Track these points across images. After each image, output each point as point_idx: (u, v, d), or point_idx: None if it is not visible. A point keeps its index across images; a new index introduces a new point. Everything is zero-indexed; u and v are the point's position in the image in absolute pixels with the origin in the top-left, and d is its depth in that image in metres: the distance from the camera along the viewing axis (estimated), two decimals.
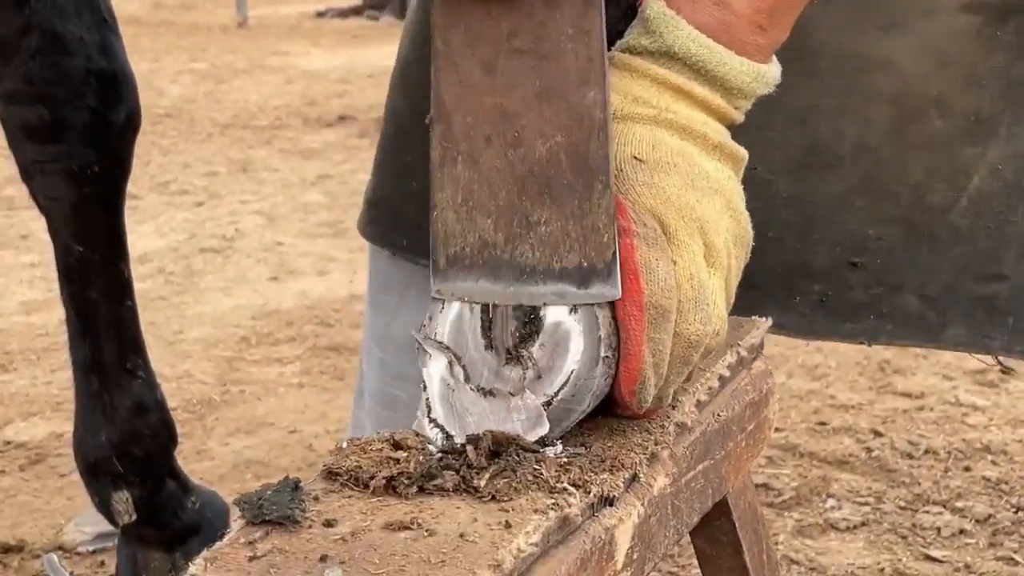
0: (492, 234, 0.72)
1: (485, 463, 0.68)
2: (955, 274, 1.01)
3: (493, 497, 0.66)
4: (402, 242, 1.14)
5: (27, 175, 1.54)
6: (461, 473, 0.67)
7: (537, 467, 0.68)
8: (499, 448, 0.69)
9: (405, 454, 0.69)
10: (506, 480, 0.67)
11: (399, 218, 1.14)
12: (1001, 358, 1.04)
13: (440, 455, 0.70)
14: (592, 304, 0.71)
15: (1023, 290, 1.00)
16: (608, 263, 0.71)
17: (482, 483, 0.66)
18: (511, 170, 0.71)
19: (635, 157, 0.76)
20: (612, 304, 0.72)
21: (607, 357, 0.72)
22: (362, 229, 1.20)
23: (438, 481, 0.67)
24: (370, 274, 1.23)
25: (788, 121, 1.01)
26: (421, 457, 0.69)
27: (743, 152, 0.81)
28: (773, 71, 0.82)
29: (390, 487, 0.67)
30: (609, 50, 0.75)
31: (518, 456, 0.68)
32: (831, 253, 1.01)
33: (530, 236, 0.71)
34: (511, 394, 0.72)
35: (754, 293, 0.82)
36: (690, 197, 0.75)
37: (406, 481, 0.67)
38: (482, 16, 0.72)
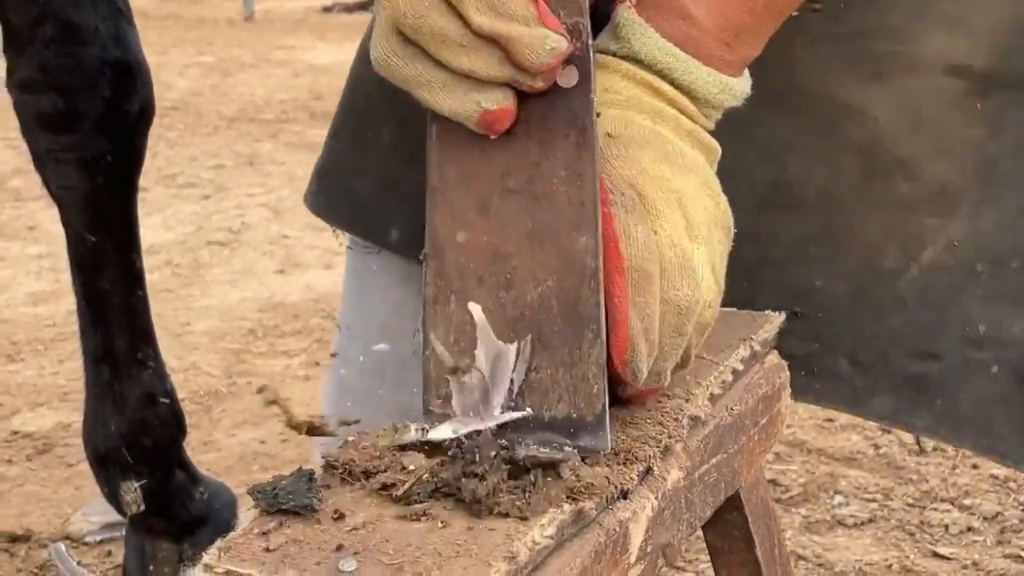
0: (481, 377, 0.71)
1: (502, 472, 0.66)
2: (890, 344, 0.97)
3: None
4: (348, 219, 1.12)
5: (40, 164, 1.54)
6: (476, 484, 0.66)
7: (556, 490, 0.67)
8: (518, 465, 0.68)
9: (412, 465, 0.68)
10: (520, 502, 0.65)
11: (350, 193, 1.11)
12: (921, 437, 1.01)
13: (448, 464, 0.68)
14: None
15: (954, 374, 0.97)
16: (598, 415, 0.69)
17: (496, 501, 0.65)
18: (503, 312, 0.70)
19: (608, 134, 0.76)
20: None
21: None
22: (307, 199, 1.17)
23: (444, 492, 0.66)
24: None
25: (760, 155, 0.99)
26: (426, 475, 0.67)
27: (716, 145, 0.81)
28: (742, 84, 0.82)
29: (395, 498, 0.66)
30: None
31: (534, 479, 0.66)
32: (776, 298, 0.99)
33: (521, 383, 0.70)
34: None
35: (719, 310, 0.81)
36: (665, 170, 0.75)
37: (413, 494, 0.66)
38: (477, 154, 0.71)
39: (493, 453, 0.66)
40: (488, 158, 0.72)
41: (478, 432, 0.72)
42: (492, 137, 0.71)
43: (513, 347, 0.71)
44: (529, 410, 0.71)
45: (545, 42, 0.69)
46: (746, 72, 0.83)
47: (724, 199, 0.80)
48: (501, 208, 0.71)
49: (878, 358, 0.98)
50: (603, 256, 0.71)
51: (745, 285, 0.98)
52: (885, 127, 0.98)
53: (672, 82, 0.79)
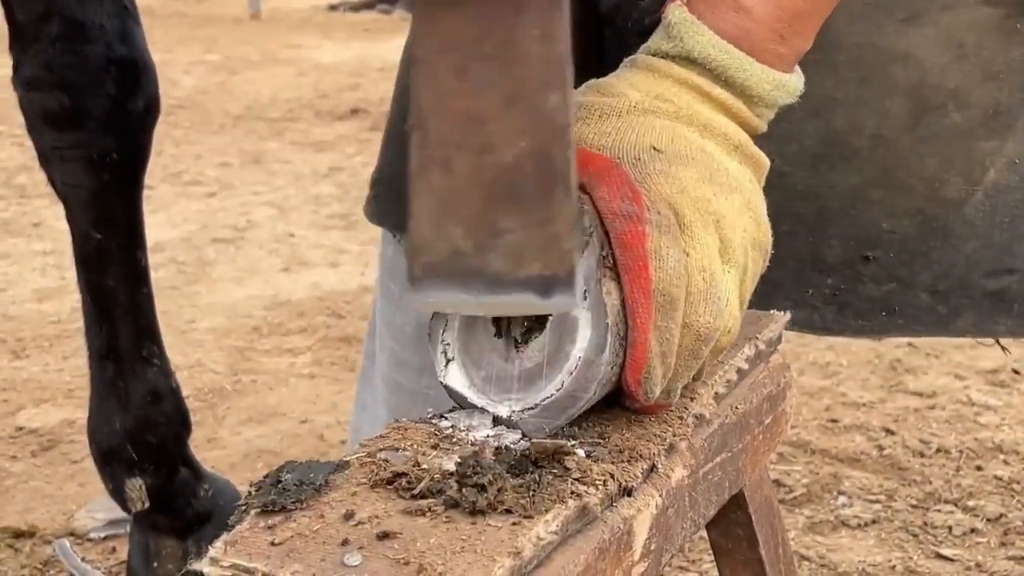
0: (463, 243, 0.71)
1: (506, 480, 0.66)
2: (967, 269, 1.00)
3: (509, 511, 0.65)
4: (402, 222, 1.14)
5: (46, 162, 1.54)
6: (476, 495, 0.65)
7: (560, 486, 0.67)
8: (523, 459, 0.68)
9: (426, 464, 0.68)
10: (524, 500, 0.65)
11: (402, 198, 1.14)
12: (1010, 352, 1.04)
13: (457, 468, 0.67)
14: (601, 290, 0.71)
15: None
16: (568, 272, 0.69)
17: (499, 502, 0.65)
18: (481, 177, 0.71)
19: (653, 147, 0.75)
20: (621, 292, 0.72)
21: (614, 345, 0.71)
22: (365, 209, 1.20)
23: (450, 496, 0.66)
24: (380, 259, 1.23)
25: (805, 113, 1.00)
26: (437, 475, 0.67)
27: (765, 159, 0.81)
28: (795, 81, 0.81)
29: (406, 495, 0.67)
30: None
31: (539, 477, 0.67)
32: (844, 247, 1.01)
33: (497, 244, 0.70)
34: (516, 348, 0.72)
35: (765, 287, 0.82)
36: (707, 190, 0.75)
37: (424, 492, 0.66)
38: (455, 22, 0.71)
39: (496, 467, 0.66)
40: (466, 25, 0.71)
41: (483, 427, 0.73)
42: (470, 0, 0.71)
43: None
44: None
45: None
46: (798, 68, 0.83)
47: (766, 220, 0.80)
48: (478, 74, 0.71)
49: (957, 284, 1.01)
50: (632, 274, 0.71)
51: (811, 240, 0.99)
52: (929, 64, 1.00)
53: (726, 80, 0.78)
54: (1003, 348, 1.06)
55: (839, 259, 1.00)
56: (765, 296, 0.83)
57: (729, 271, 0.75)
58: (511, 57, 0.71)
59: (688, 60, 0.78)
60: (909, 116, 1.00)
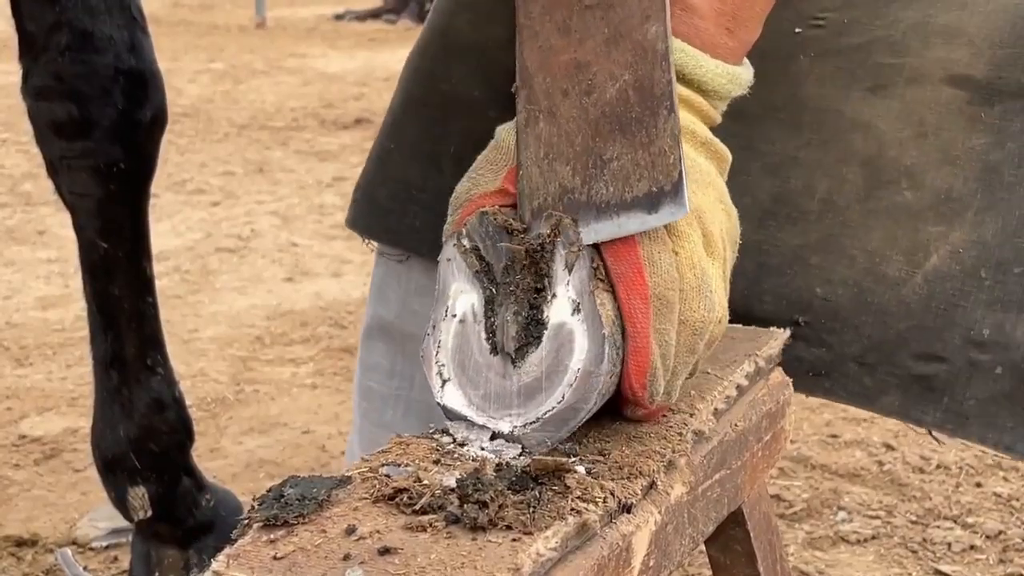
0: (571, 179, 0.75)
1: (507, 497, 0.67)
2: (896, 347, 0.99)
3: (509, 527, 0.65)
4: (372, 227, 1.16)
5: (53, 171, 1.55)
6: (477, 511, 0.66)
7: (560, 502, 0.67)
8: (524, 476, 0.69)
9: (427, 480, 0.69)
10: (524, 516, 0.66)
11: (373, 204, 1.15)
12: (933, 432, 1.03)
13: (458, 484, 0.68)
14: (595, 301, 0.72)
15: (960, 374, 0.99)
16: (675, 183, 0.73)
17: (500, 518, 0.66)
18: (586, 116, 0.75)
19: None
20: (615, 301, 0.73)
21: (611, 355, 0.72)
22: (346, 220, 1.21)
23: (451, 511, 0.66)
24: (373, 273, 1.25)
25: (764, 169, 1.01)
26: (439, 491, 0.67)
27: (728, 153, 0.83)
28: (746, 74, 0.84)
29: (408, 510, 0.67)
30: None
31: (539, 493, 0.67)
32: (777, 306, 1.01)
33: (604, 174, 0.74)
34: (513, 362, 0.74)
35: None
36: None
37: (425, 508, 0.67)
38: None
39: (497, 484, 0.67)
40: None
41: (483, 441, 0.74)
42: None
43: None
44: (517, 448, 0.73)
45: None
46: (746, 61, 0.85)
47: (735, 212, 0.82)
48: (580, 25, 0.75)
49: (885, 360, 1.00)
50: (626, 282, 0.73)
51: (746, 294, 1.00)
52: (889, 137, 1.00)
53: (684, 77, 0.80)
54: (935, 438, 1.06)
55: (770, 316, 1.00)
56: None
57: (714, 263, 0.78)
58: (611, 2, 0.75)
59: None
60: (863, 186, 1.00)
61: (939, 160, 0.99)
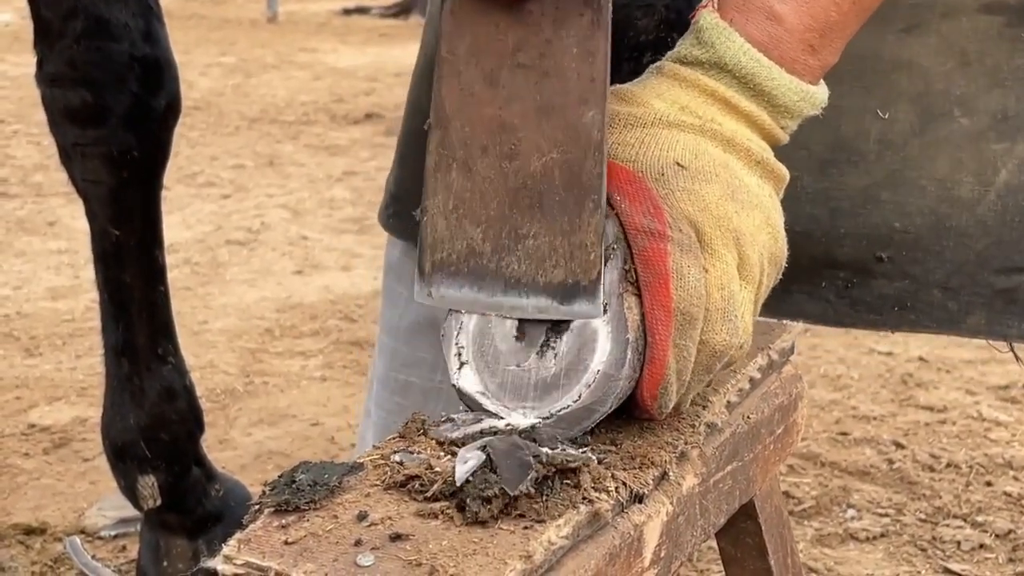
0: (480, 243, 0.72)
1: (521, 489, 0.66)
2: (978, 266, 1.02)
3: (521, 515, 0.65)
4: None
5: (67, 158, 1.55)
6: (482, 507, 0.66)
7: (572, 491, 0.67)
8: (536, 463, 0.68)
9: (439, 467, 0.68)
10: (536, 504, 0.66)
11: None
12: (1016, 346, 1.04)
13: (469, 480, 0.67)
14: (623, 304, 0.71)
15: None
16: (593, 281, 0.70)
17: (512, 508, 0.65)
18: (504, 182, 0.72)
19: (677, 163, 0.76)
20: (642, 307, 0.72)
21: (633, 360, 0.72)
22: (384, 221, 1.21)
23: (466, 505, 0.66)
24: (385, 265, 1.24)
25: (810, 120, 1.01)
26: (450, 478, 0.67)
27: (785, 172, 0.81)
28: (821, 94, 0.82)
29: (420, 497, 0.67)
30: (620, 68, 0.75)
31: (552, 482, 0.67)
32: (857, 246, 1.02)
33: (517, 248, 0.71)
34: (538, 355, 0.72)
35: (780, 282, 0.82)
36: (729, 208, 0.75)
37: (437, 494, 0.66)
38: (489, 28, 0.72)
39: (499, 487, 0.66)
40: (500, 33, 0.72)
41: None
42: (507, 9, 0.72)
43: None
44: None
45: None
46: (823, 81, 0.83)
47: (783, 235, 0.80)
48: (510, 81, 0.72)
49: (969, 281, 1.02)
50: (652, 291, 0.72)
51: (824, 240, 1.00)
52: (933, 72, 1.01)
53: (754, 88, 0.78)
54: (1017, 358, 1.06)
55: (851, 258, 1.02)
56: (779, 290, 0.84)
57: (746, 287, 0.76)
58: (548, 70, 0.71)
59: (717, 67, 0.78)
60: (917, 121, 1.02)
61: (988, 84, 1.01)
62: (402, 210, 1.19)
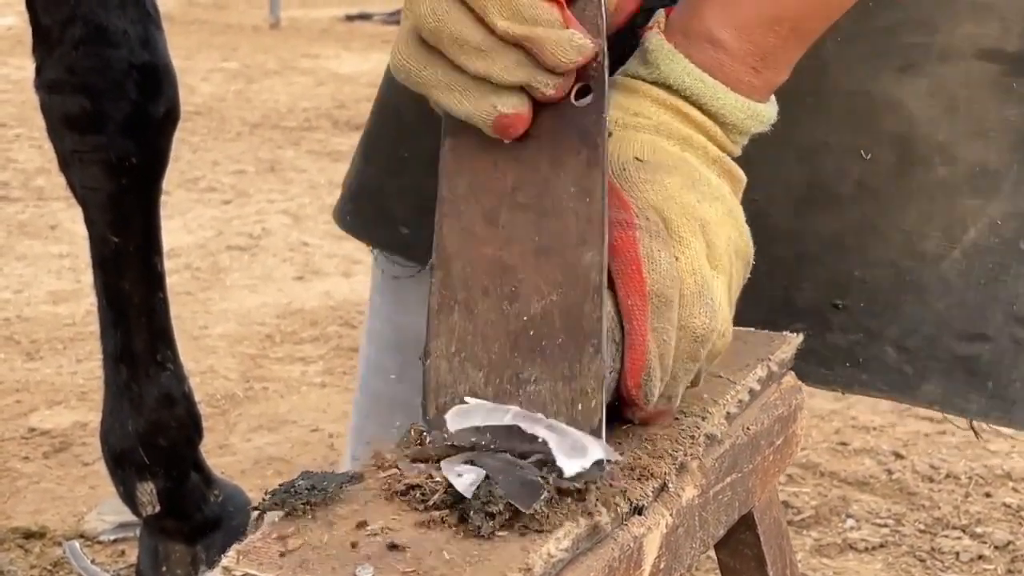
0: (482, 388, 0.71)
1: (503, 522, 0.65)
2: (937, 328, 0.98)
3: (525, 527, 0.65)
4: (385, 238, 1.14)
5: (65, 165, 1.55)
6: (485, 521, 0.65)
7: (572, 503, 0.66)
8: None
9: (439, 476, 0.68)
10: (536, 516, 0.65)
11: (386, 214, 1.14)
12: (974, 423, 1.01)
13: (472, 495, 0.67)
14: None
15: (1005, 354, 0.97)
16: (595, 429, 0.70)
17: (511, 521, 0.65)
18: (506, 324, 0.71)
19: (636, 158, 0.77)
20: (615, 297, 0.73)
21: (611, 351, 0.72)
22: (340, 219, 1.19)
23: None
24: (372, 273, 1.24)
25: (795, 157, 1.00)
26: (451, 489, 0.67)
27: (742, 174, 0.82)
28: (769, 110, 0.82)
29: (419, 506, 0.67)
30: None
31: (551, 495, 0.66)
32: (816, 292, 0.99)
33: (519, 394, 0.71)
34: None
35: (737, 327, 0.82)
36: (691, 197, 0.76)
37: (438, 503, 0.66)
38: (488, 167, 0.73)
39: (504, 503, 0.66)
40: (499, 172, 0.72)
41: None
42: (505, 143, 0.72)
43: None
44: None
45: (572, 40, 0.70)
46: (772, 98, 0.84)
47: (747, 230, 0.81)
48: (509, 221, 0.72)
49: (926, 343, 0.98)
50: (625, 278, 0.72)
51: (785, 283, 0.99)
52: (920, 115, 0.99)
53: (701, 108, 0.80)
54: (977, 435, 1.03)
55: (810, 304, 0.99)
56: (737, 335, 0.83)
57: (718, 276, 0.76)
58: (546, 209, 0.71)
59: (664, 87, 0.80)
60: (896, 166, 0.99)
61: (972, 133, 0.98)
62: (362, 209, 1.17)
